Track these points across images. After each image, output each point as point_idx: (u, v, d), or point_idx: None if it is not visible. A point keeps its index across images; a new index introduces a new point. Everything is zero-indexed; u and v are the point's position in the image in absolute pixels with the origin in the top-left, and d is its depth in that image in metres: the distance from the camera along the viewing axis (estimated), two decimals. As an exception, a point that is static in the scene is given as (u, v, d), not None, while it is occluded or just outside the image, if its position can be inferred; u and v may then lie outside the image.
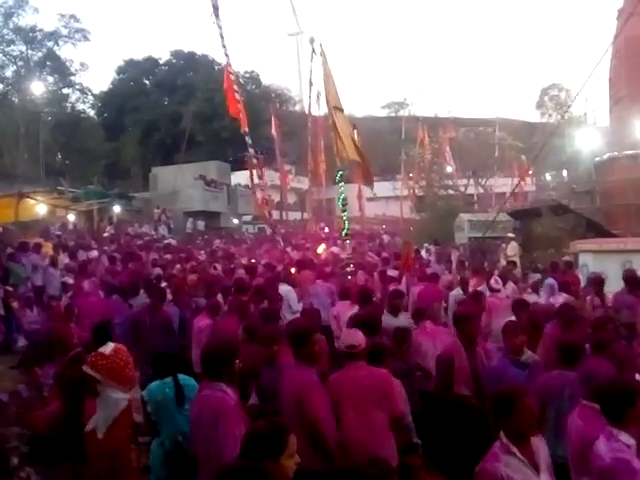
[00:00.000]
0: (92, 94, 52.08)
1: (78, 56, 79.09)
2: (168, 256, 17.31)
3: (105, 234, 24.88)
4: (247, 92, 42.79)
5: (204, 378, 4.32)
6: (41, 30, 44.98)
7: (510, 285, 10.35)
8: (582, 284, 10.81)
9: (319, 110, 24.26)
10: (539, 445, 3.50)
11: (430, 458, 5.40)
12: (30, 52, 45.23)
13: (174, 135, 45.89)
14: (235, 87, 13.48)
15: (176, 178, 30.70)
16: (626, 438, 3.45)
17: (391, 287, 10.23)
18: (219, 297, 9.09)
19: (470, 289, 9.96)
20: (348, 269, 11.41)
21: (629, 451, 3.40)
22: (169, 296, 9.12)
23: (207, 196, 36.11)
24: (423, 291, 9.74)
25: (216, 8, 12.76)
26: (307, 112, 25.26)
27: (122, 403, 4.30)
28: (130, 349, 7.92)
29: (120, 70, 57.64)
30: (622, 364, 4.41)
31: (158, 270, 13.63)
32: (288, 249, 19.23)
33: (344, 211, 12.19)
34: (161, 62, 58.77)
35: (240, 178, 42.64)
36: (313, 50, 16.78)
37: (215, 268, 14.15)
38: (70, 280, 12.13)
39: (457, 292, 10.10)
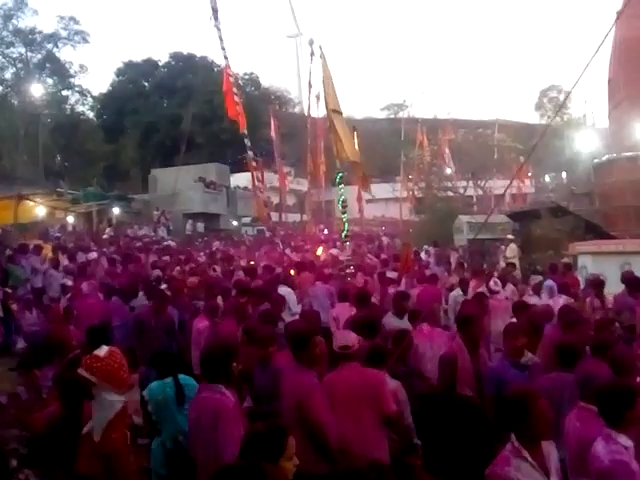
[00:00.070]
0: (91, 96, 52.17)
1: (77, 58, 79.46)
2: (167, 258, 17.29)
3: (104, 236, 24.88)
4: (246, 94, 42.88)
5: (203, 380, 4.32)
6: (40, 32, 45.01)
7: (509, 287, 10.35)
8: (581, 286, 10.81)
9: (318, 112, 24.26)
10: (550, 449, 3.45)
11: (430, 459, 5.40)
12: (29, 54, 45.24)
13: (173, 137, 45.88)
14: (234, 89, 13.49)
15: (175, 180, 30.73)
16: (624, 440, 3.45)
17: (390, 289, 10.25)
18: (219, 299, 9.09)
19: (469, 291, 9.97)
20: (347, 271, 11.42)
21: (627, 453, 3.40)
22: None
23: (206, 198, 36.15)
24: (422, 292, 9.74)
25: (215, 10, 12.77)
26: (306, 114, 25.25)
27: (117, 405, 4.30)
28: (133, 350, 8.02)
29: (119, 72, 57.68)
30: (622, 367, 4.39)
31: (157, 272, 13.62)
32: (287, 251, 19.25)
33: (344, 213, 12.19)
34: (160, 64, 58.79)
35: (239, 180, 42.70)
36: (312, 52, 16.79)
37: (214, 270, 14.15)
38: (69, 282, 12.12)
39: (457, 293, 10.11)
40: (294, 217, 41.72)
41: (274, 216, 29.41)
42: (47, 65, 46.35)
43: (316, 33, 76.40)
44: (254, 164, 15.10)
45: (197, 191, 35.54)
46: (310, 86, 22.98)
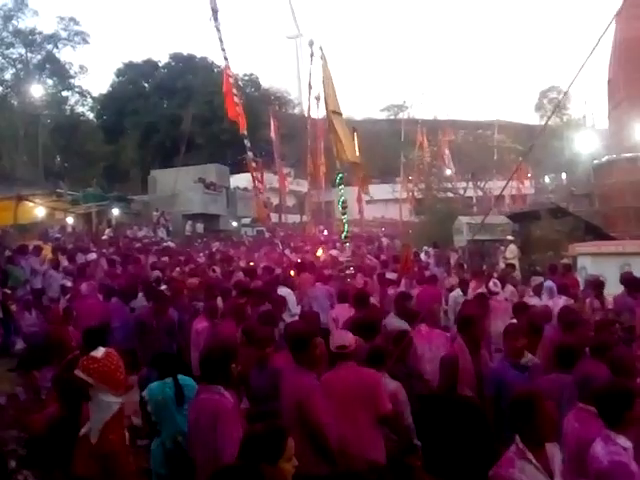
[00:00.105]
0: (91, 97, 52.17)
1: (77, 59, 79.48)
2: (165, 259, 17.28)
3: (104, 237, 24.88)
4: (246, 95, 42.87)
5: (202, 381, 4.32)
6: (40, 33, 45.05)
7: (509, 288, 10.34)
8: (581, 287, 10.81)
9: (318, 113, 24.27)
10: (554, 451, 3.44)
11: (430, 459, 5.40)
12: (29, 55, 45.26)
13: (173, 138, 45.87)
14: (234, 90, 13.49)
15: (175, 181, 30.72)
16: (623, 441, 3.44)
17: (390, 290, 10.25)
18: (219, 300, 9.09)
19: (469, 292, 9.97)
20: (347, 272, 11.42)
21: (626, 454, 3.40)
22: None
23: (206, 199, 36.14)
24: (422, 293, 9.73)
25: (215, 11, 12.78)
26: (306, 115, 25.25)
27: (114, 406, 4.30)
28: (134, 352, 8.03)
29: (119, 73, 57.67)
30: (622, 368, 4.38)
31: (157, 273, 13.61)
32: (287, 252, 19.25)
33: (344, 214, 12.19)
34: (160, 65, 58.78)
35: (239, 181, 42.69)
36: (312, 53, 16.77)
37: (214, 271, 14.14)
38: (68, 283, 12.11)
39: (457, 293, 10.11)
40: (294, 218, 41.73)
41: (274, 217, 29.44)
42: (47, 66, 46.36)
43: (316, 34, 76.33)
44: (254, 165, 15.10)
45: (197, 192, 35.53)
46: (310, 87, 22.99)
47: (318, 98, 21.18)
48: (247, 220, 40.64)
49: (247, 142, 13.32)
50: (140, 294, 9.80)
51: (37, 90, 42.50)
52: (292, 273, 12.01)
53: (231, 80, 13.66)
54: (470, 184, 35.00)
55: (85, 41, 46.48)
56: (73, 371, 4.75)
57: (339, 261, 14.91)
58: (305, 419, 4.34)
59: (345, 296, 8.87)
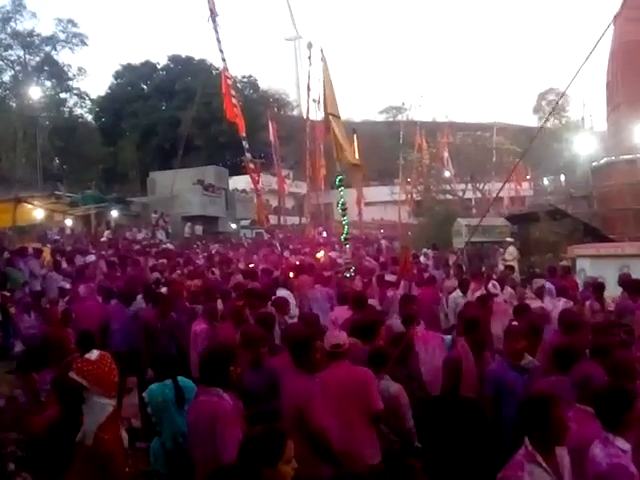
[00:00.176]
0: (90, 99, 52.19)
1: (76, 61, 79.51)
2: (163, 261, 17.26)
3: (103, 239, 24.88)
4: (245, 97, 42.95)
5: (201, 383, 4.32)
6: (39, 35, 45.11)
7: (507, 290, 10.35)
8: (580, 289, 10.81)
9: (317, 115, 24.27)
10: (563, 455, 3.39)
11: (431, 461, 5.42)
12: (28, 57, 45.31)
13: (172, 140, 45.92)
14: (232, 91, 13.51)
15: (174, 183, 30.68)
16: (622, 443, 3.43)
17: (389, 292, 10.25)
18: (219, 302, 9.09)
19: (469, 293, 9.97)
20: (347, 273, 11.42)
21: (625, 456, 3.39)
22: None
23: (205, 201, 36.16)
24: (421, 295, 9.72)
25: (214, 13, 12.80)
26: (305, 117, 25.27)
27: (108, 408, 4.30)
28: (136, 353, 8.03)
29: (118, 75, 57.72)
30: (621, 371, 4.38)
31: (156, 274, 13.62)
32: (286, 253, 19.25)
33: (344, 215, 12.19)
34: (159, 67, 58.88)
35: (238, 183, 42.75)
36: (309, 55, 16.77)
37: (213, 273, 14.13)
38: (67, 285, 12.11)
39: (456, 294, 10.11)
40: (293, 220, 41.76)
41: (273, 219, 29.46)
42: (45, 68, 46.38)
43: (315, 36, 76.52)
44: (252, 166, 15.11)
45: (196, 194, 35.55)
46: (309, 89, 23.02)
47: (317, 101, 21.20)
48: (246, 222, 40.67)
49: (245, 143, 13.34)
50: (139, 296, 9.79)
51: (35, 92, 42.50)
52: (291, 275, 12.00)
53: (229, 81, 13.69)
54: (469, 186, 35.03)
55: (83, 43, 46.61)
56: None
57: (338, 263, 14.91)
58: (305, 423, 4.34)
59: (345, 298, 8.86)
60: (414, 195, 35.51)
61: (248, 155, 13.78)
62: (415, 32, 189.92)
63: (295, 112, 60.40)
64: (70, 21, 46.01)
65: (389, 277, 11.23)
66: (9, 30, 43.57)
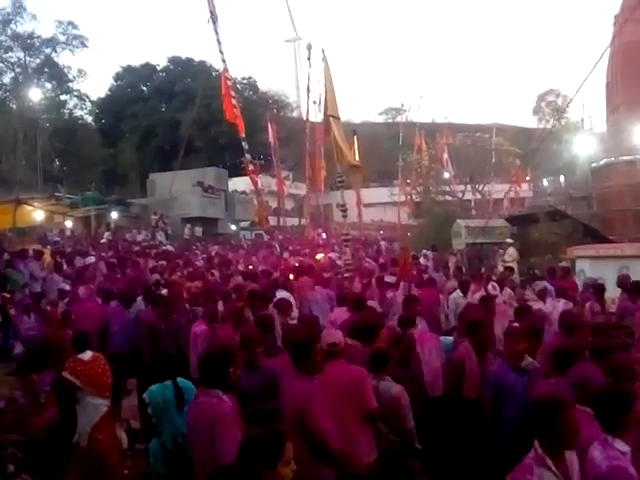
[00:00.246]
0: (90, 100, 52.23)
1: (76, 63, 79.57)
2: (163, 262, 17.26)
3: (103, 240, 24.88)
4: (244, 98, 42.94)
5: (201, 384, 4.33)
6: (39, 37, 45.20)
7: (507, 291, 10.35)
8: (579, 290, 10.82)
9: (316, 116, 24.28)
10: (573, 459, 3.34)
11: (432, 462, 5.43)
12: (28, 59, 45.37)
13: (172, 141, 45.93)
14: (232, 92, 13.52)
15: (174, 184, 30.71)
16: (621, 445, 3.42)
17: (389, 293, 10.25)
18: (220, 304, 9.09)
19: (468, 295, 9.98)
20: (346, 274, 11.42)
21: (624, 458, 3.37)
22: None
23: (205, 202, 36.14)
24: (421, 296, 9.71)
25: (214, 14, 12.81)
26: (305, 118, 25.28)
27: (102, 409, 4.31)
28: (137, 355, 8.04)
29: (118, 76, 57.75)
30: (620, 372, 4.37)
31: (156, 276, 13.62)
32: (285, 255, 19.24)
33: (344, 217, 12.20)
34: (159, 68, 58.90)
35: (238, 184, 42.73)
36: (308, 56, 16.76)
37: (212, 274, 14.13)
38: (67, 287, 12.11)
39: (457, 294, 10.12)
40: (292, 221, 41.76)
41: (272, 220, 29.44)
42: (45, 70, 46.44)
43: (314, 37, 76.55)
44: (252, 168, 15.10)
45: (195, 195, 35.55)
46: (308, 90, 23.04)
47: (316, 102, 21.21)
48: (245, 223, 40.67)
49: (245, 144, 13.33)
50: (139, 298, 9.79)
51: (36, 94, 42.53)
52: (291, 277, 12.00)
53: (229, 82, 13.69)
54: (468, 187, 35.05)
55: (84, 45, 46.68)
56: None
57: (338, 264, 14.90)
58: (305, 427, 4.33)
59: (344, 299, 8.87)
60: (413, 196, 35.53)
61: (248, 156, 13.77)
62: (414, 33, 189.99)
63: (295, 113, 60.43)
64: (70, 23, 46.18)
65: (388, 278, 11.24)
66: (9, 32, 43.69)
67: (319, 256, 18.56)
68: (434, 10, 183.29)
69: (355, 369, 4.86)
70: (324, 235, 32.88)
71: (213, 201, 37.28)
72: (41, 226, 22.96)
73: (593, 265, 13.39)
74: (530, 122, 48.35)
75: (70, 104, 50.10)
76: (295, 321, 7.83)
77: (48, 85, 47.74)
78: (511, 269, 13.91)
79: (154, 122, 52.09)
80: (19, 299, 11.90)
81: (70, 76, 47.85)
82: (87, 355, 4.43)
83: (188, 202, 34.73)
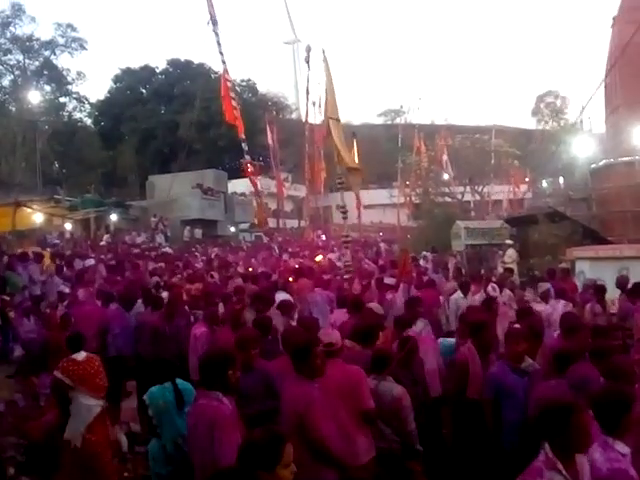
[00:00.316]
0: (89, 103, 52.24)
1: (75, 65, 79.38)
2: (161, 264, 17.26)
3: (102, 243, 24.88)
4: (243, 100, 42.93)
5: (200, 386, 4.33)
6: (38, 39, 45.21)
7: (506, 292, 10.34)
8: (579, 291, 10.81)
9: (315, 118, 24.29)
10: (583, 462, 3.27)
11: (432, 464, 5.43)
12: (27, 61, 45.38)
13: (171, 143, 46.00)
14: (231, 94, 13.54)
15: (173, 186, 30.70)
16: (621, 447, 3.41)
17: (388, 295, 10.25)
18: (221, 306, 9.09)
19: (468, 296, 9.98)
20: (346, 276, 11.43)
21: (625, 460, 3.37)
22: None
23: (204, 204, 36.13)
24: (421, 298, 9.72)
25: (213, 16, 12.83)
26: (304, 120, 25.29)
27: (95, 409, 4.32)
28: (139, 357, 8.05)
29: (117, 79, 57.79)
30: (619, 374, 4.37)
31: (156, 278, 13.62)
32: (285, 256, 19.25)
33: (345, 218, 12.20)
34: (158, 71, 58.93)
35: (237, 186, 42.72)
36: (307, 58, 16.75)
37: (212, 277, 14.14)
38: (66, 289, 12.10)
39: (457, 295, 10.12)
40: (292, 223, 41.77)
41: (272, 222, 29.44)
42: (45, 72, 46.47)
43: (313, 39, 76.61)
44: (252, 169, 15.11)
45: (195, 197, 35.54)
46: (308, 92, 23.05)
47: (315, 104, 21.21)
48: (245, 225, 40.67)
49: (245, 146, 13.36)
50: (139, 300, 9.78)
51: (35, 96, 42.51)
52: (290, 279, 12.00)
53: (229, 84, 13.70)
54: (468, 189, 35.04)
55: (82, 47, 46.72)
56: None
57: (337, 266, 14.91)
58: (305, 431, 4.32)
59: (344, 301, 8.87)
60: (413, 198, 35.50)
61: (247, 157, 13.79)
62: (413, 35, 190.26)
63: (294, 115, 60.46)
64: (69, 25, 46.19)
65: (388, 280, 11.24)
66: (8, 35, 43.74)
67: (318, 258, 18.56)
68: (433, 12, 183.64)
69: (352, 369, 4.84)
70: (324, 237, 32.88)
71: (212, 203, 37.27)
72: (40, 229, 22.93)
73: (593, 266, 13.38)
74: (529, 123, 48.30)
75: (69, 106, 50.25)
76: (295, 323, 7.84)
77: (47, 87, 47.78)
78: (511, 270, 13.91)
79: (153, 124, 52.12)
80: (18, 302, 11.90)
81: (69, 78, 47.97)
82: (81, 355, 4.44)
83: (187, 204, 34.73)
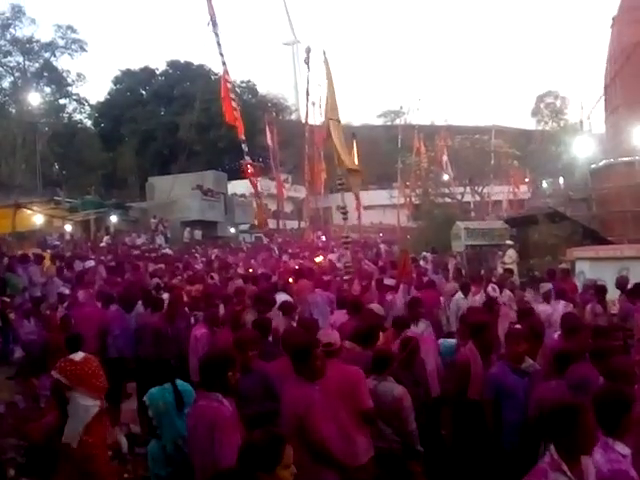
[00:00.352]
0: (89, 104, 52.20)
1: (75, 67, 79.53)
2: (162, 265, 17.26)
3: (102, 244, 24.88)
4: (243, 102, 42.93)
5: (201, 387, 4.32)
6: (38, 41, 45.20)
7: (506, 293, 10.33)
8: (579, 291, 10.81)
9: (315, 119, 24.31)
10: (588, 464, 3.26)
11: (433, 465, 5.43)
12: (27, 63, 45.38)
13: (171, 145, 46.01)
14: (232, 95, 13.56)
15: (173, 188, 30.69)
16: (621, 448, 3.40)
17: (388, 296, 10.25)
18: (221, 307, 9.09)
19: (469, 297, 9.98)
20: (346, 277, 11.43)
21: (625, 461, 3.36)
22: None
23: (204, 205, 36.13)
24: (422, 298, 9.71)
25: (214, 17, 12.85)
26: (304, 121, 25.31)
27: (92, 410, 4.31)
28: (140, 359, 8.05)
29: (117, 80, 57.81)
30: (619, 374, 4.37)
31: (156, 280, 13.61)
32: (285, 257, 19.26)
33: (345, 219, 12.21)
34: (158, 72, 58.95)
35: (237, 187, 42.73)
36: (306, 60, 16.74)
37: (212, 278, 14.13)
38: (66, 290, 12.10)
39: (459, 296, 10.12)
40: (292, 224, 41.78)
41: (272, 223, 29.44)
42: (45, 74, 46.46)
43: (313, 40, 76.60)
44: (251, 170, 15.13)
45: (195, 199, 35.52)
46: (307, 93, 23.08)
47: (315, 104, 21.22)
48: (245, 226, 40.66)
49: (245, 147, 13.37)
50: (140, 302, 9.78)
51: (35, 98, 42.50)
52: (290, 280, 12.00)
53: (229, 85, 13.72)
54: (468, 189, 35.06)
55: (82, 49, 46.71)
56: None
57: (338, 267, 14.91)
58: (306, 433, 4.32)
59: (343, 302, 8.87)
60: (413, 199, 35.55)
61: (247, 158, 13.81)
62: (413, 36, 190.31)
63: (293, 116, 60.50)
64: (69, 27, 46.18)
65: (388, 281, 11.24)
66: (8, 36, 43.70)
67: (318, 259, 18.56)
68: (433, 13, 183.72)
69: (351, 369, 4.83)
70: (323, 238, 32.89)
71: (212, 204, 37.26)
72: (40, 230, 22.94)
73: (593, 266, 13.37)
74: (529, 124, 48.31)
75: (69, 108, 50.20)
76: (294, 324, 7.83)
77: (47, 89, 47.80)
78: (511, 271, 13.90)
79: (153, 126, 52.15)
80: (19, 303, 11.90)
81: (69, 80, 47.90)
82: (78, 356, 4.44)
83: (187, 205, 34.72)
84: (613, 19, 22.10)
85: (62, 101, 49.30)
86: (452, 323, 9.57)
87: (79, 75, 48.06)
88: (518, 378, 5.32)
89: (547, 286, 9.95)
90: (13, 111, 43.79)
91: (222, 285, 12.59)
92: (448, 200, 31.57)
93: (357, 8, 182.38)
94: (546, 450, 3.28)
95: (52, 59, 46.35)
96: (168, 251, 24.59)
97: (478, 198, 35.81)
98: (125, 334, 8.91)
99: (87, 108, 52.09)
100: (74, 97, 49.46)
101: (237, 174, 35.78)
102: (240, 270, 16.44)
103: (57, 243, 23.62)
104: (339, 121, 11.84)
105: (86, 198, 31.42)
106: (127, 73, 57.77)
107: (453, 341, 7.47)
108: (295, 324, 7.76)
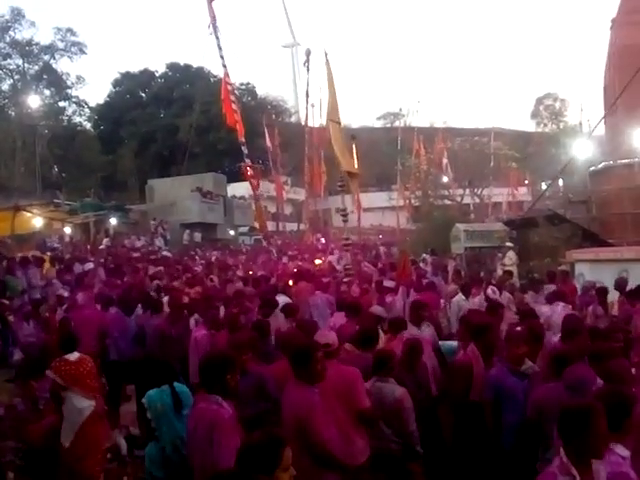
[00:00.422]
0: (89, 107, 52.35)
1: (74, 69, 79.73)
2: (161, 268, 17.24)
3: (102, 246, 24.87)
4: (243, 104, 42.95)
5: (200, 389, 4.32)
6: (38, 44, 45.31)
7: (505, 295, 10.33)
8: (578, 293, 10.80)
9: (314, 121, 24.32)
10: (599, 469, 3.20)
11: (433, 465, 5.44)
12: (27, 65, 45.48)
13: (170, 147, 46.06)
14: (232, 97, 13.57)
15: (172, 190, 30.69)
16: (621, 450, 3.39)
17: (388, 297, 10.24)
18: (222, 309, 9.09)
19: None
20: (346, 279, 11.42)
21: (625, 463, 3.35)
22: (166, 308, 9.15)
23: (203, 208, 36.12)
24: (422, 300, 9.70)
25: (214, 19, 12.87)
26: (303, 123, 25.34)
27: (86, 411, 4.31)
28: (140, 361, 8.04)
29: (116, 83, 57.91)
30: (617, 377, 4.36)
31: (156, 282, 13.60)
32: (284, 259, 19.26)
33: (345, 221, 12.22)
34: (157, 75, 59.09)
35: (236, 189, 42.75)
36: (306, 61, 16.75)
37: (212, 280, 14.13)
38: (65, 293, 12.09)
39: (459, 297, 10.11)
40: (291, 226, 41.79)
41: (271, 225, 29.45)
42: (44, 76, 46.56)
43: (312, 43, 76.77)
44: (251, 172, 15.14)
45: (194, 201, 35.52)
46: (307, 95, 23.10)
47: (314, 105, 21.24)
48: (244, 229, 40.66)
49: (245, 149, 13.38)
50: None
51: (34, 101, 42.57)
52: (290, 282, 11.99)
53: (229, 87, 13.74)
54: (467, 191, 35.07)
55: (82, 51, 46.85)
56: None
57: (337, 269, 14.90)
58: (307, 436, 4.31)
59: (343, 304, 8.87)
60: (412, 201, 35.55)
61: (247, 161, 13.83)
62: (412, 38, 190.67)
63: (293, 119, 60.59)
64: (69, 30, 46.31)
65: (388, 283, 11.23)
66: (8, 39, 43.83)
67: (318, 261, 18.56)
68: (432, 15, 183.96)
69: (348, 369, 4.84)
70: (323, 240, 32.89)
71: (212, 206, 37.26)
72: (40, 232, 22.96)
73: (592, 269, 13.38)
74: (528, 126, 48.35)
75: (69, 110, 50.33)
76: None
77: (47, 92, 47.91)
78: (510, 273, 13.91)
79: (153, 128, 52.21)
80: (18, 305, 11.89)
81: (69, 83, 48.10)
82: (73, 356, 4.44)
83: (187, 208, 34.72)
84: (612, 21, 22.11)
85: (62, 103, 49.44)
86: (452, 325, 9.56)
87: (79, 78, 48.31)
88: (517, 380, 5.32)
89: (550, 288, 9.94)
90: (13, 114, 43.90)
91: (222, 287, 12.58)
92: (447, 202, 31.57)
93: (356, 11, 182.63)
94: (544, 451, 3.28)
95: (52, 62, 46.51)
96: (168, 253, 24.57)
97: (477, 200, 35.83)
98: (125, 337, 8.90)
99: (87, 110, 52.32)
100: (74, 100, 49.64)
101: (237, 176, 35.85)
102: (239, 272, 16.43)
103: (56, 245, 23.59)
104: (339, 122, 11.84)
105: (85, 200, 31.45)
106: (127, 75, 57.88)
107: (453, 343, 7.47)
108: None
